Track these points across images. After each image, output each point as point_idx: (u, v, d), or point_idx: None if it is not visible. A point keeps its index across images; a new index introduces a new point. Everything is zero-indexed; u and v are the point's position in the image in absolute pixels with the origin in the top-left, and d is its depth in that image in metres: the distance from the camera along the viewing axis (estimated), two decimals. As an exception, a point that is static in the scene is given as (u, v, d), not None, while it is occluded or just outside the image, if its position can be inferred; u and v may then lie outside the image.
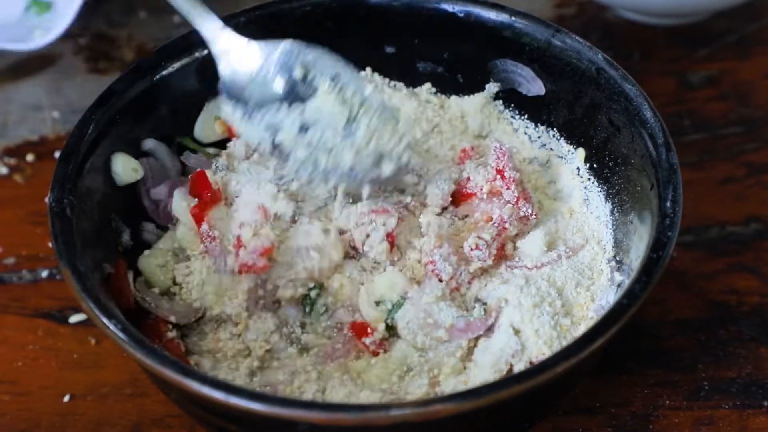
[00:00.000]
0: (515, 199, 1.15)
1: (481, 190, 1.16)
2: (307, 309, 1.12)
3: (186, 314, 1.12)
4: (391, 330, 1.11)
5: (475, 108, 1.23)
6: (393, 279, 1.11)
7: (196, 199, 1.15)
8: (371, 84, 1.16)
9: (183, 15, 1.14)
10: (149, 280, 1.14)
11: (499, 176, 1.15)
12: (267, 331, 1.11)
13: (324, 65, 1.12)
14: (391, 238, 1.12)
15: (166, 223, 1.18)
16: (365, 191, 1.12)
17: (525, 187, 1.16)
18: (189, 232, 1.15)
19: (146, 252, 1.15)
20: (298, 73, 1.12)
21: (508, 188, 1.15)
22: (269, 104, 1.13)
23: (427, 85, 1.25)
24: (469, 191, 1.16)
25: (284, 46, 1.13)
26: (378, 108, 1.11)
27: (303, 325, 1.12)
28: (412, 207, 1.15)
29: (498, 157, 1.16)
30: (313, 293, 1.11)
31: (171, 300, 1.13)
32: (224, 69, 1.15)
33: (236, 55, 1.14)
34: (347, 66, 1.13)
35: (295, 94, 1.13)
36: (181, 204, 1.16)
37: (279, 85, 1.12)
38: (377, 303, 1.11)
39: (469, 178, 1.16)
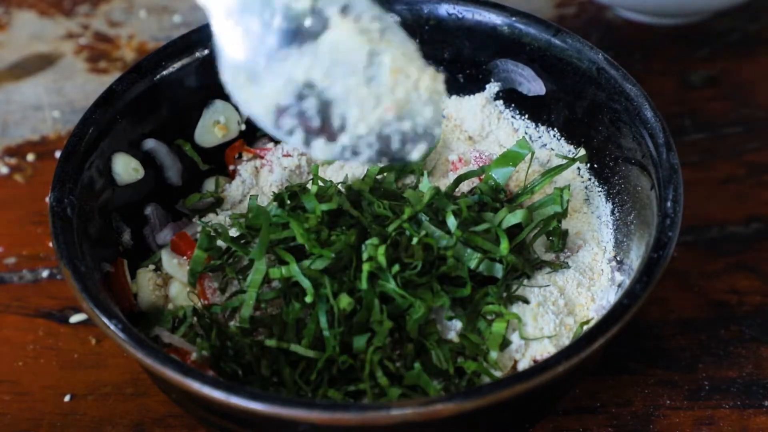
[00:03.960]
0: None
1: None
2: None
3: None
4: None
5: (475, 108, 1.23)
6: None
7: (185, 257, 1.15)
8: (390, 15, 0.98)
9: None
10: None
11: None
12: None
13: None
14: None
15: None
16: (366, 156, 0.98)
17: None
18: (183, 289, 1.14)
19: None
20: (303, 3, 0.95)
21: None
22: (274, 55, 0.96)
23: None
24: None
25: None
26: (401, 42, 0.95)
27: None
28: None
29: (478, 166, 1.16)
30: None
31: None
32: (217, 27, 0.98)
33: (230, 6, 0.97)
34: None
35: (304, 32, 0.95)
36: (171, 262, 1.15)
37: (281, 22, 0.95)
38: None
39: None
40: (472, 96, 1.24)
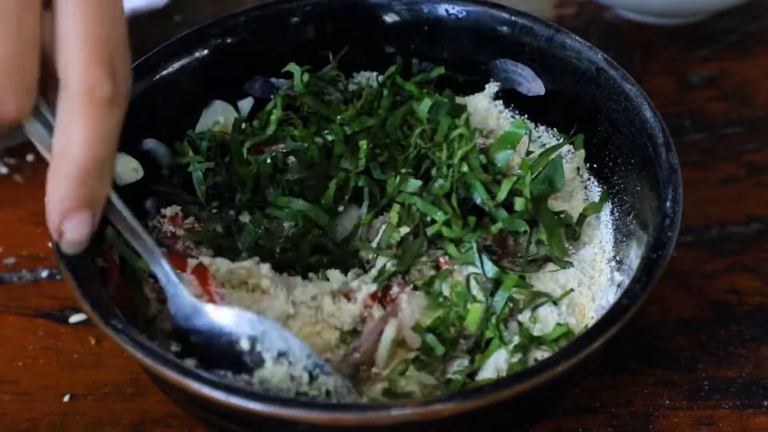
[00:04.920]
0: None
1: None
2: None
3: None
4: None
5: (476, 107, 1.23)
6: None
7: None
8: (324, 359, 1.05)
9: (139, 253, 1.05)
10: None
11: None
12: None
13: (272, 340, 1.02)
14: None
15: None
16: None
17: None
18: None
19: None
20: (245, 344, 1.02)
21: None
22: (215, 364, 1.03)
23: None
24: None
25: (235, 315, 1.03)
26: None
27: None
28: None
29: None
30: None
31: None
32: (176, 314, 1.05)
33: (185, 307, 1.04)
34: (297, 343, 1.03)
35: (242, 363, 1.03)
36: None
37: (225, 351, 1.03)
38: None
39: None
40: (472, 96, 1.24)
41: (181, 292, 1.04)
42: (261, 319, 1.03)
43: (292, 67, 1.21)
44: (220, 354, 1.03)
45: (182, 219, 1.16)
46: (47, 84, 0.94)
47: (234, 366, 1.03)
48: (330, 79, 1.23)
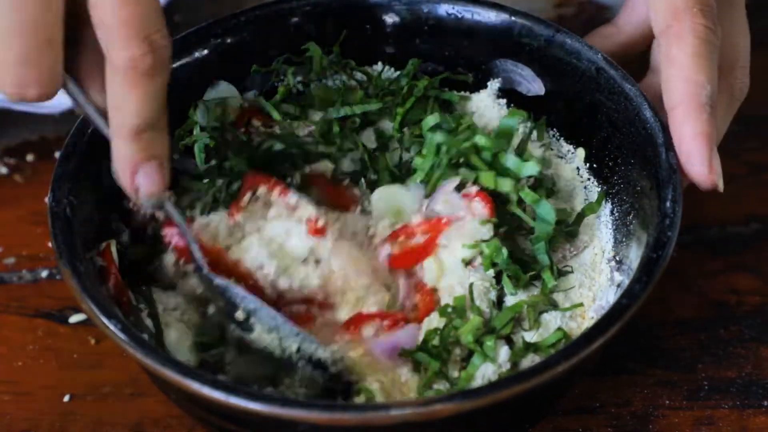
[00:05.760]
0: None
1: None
2: None
3: None
4: None
5: (478, 105, 1.23)
6: None
7: None
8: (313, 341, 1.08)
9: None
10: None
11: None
12: None
13: (264, 316, 1.08)
14: None
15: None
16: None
17: None
18: None
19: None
20: (240, 315, 1.08)
21: None
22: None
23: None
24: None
25: (232, 289, 1.09)
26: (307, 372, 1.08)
27: None
28: None
29: None
30: None
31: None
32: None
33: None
34: (287, 322, 1.08)
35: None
36: None
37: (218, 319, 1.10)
38: None
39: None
40: (475, 93, 1.23)
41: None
42: (255, 299, 1.08)
43: (313, 48, 1.21)
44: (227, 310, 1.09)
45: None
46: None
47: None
48: (344, 65, 1.23)
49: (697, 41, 1.08)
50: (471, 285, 1.10)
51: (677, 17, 1.09)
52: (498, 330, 1.09)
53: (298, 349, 1.07)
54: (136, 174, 1.04)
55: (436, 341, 1.07)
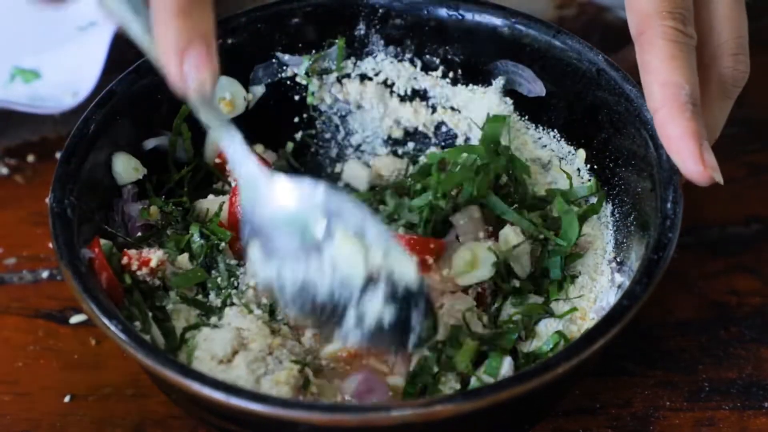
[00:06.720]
0: None
1: None
2: None
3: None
4: None
5: (480, 104, 1.23)
6: None
7: None
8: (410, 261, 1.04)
9: (208, 129, 1.06)
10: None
11: None
12: None
13: (349, 217, 1.03)
14: None
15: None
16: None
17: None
18: None
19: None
20: (321, 223, 1.03)
21: None
22: (286, 250, 1.04)
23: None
24: None
25: (314, 192, 1.04)
26: (400, 284, 1.03)
27: None
28: None
29: None
30: None
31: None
32: (246, 200, 1.06)
33: (261, 188, 1.05)
34: (374, 221, 1.03)
35: (315, 242, 1.04)
36: None
37: (298, 236, 1.05)
38: None
39: None
40: (481, 92, 1.23)
41: (252, 168, 1.05)
42: (338, 194, 1.04)
43: (340, 41, 1.22)
44: (285, 240, 1.04)
45: None
46: None
47: (298, 252, 1.04)
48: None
49: (669, 44, 1.08)
50: (464, 313, 1.10)
51: (647, 23, 1.09)
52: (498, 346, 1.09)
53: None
54: (184, 62, 0.99)
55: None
